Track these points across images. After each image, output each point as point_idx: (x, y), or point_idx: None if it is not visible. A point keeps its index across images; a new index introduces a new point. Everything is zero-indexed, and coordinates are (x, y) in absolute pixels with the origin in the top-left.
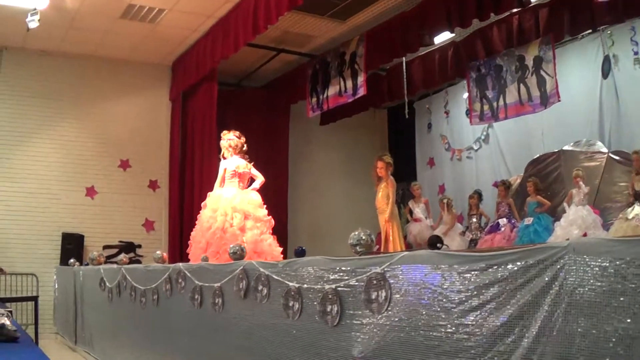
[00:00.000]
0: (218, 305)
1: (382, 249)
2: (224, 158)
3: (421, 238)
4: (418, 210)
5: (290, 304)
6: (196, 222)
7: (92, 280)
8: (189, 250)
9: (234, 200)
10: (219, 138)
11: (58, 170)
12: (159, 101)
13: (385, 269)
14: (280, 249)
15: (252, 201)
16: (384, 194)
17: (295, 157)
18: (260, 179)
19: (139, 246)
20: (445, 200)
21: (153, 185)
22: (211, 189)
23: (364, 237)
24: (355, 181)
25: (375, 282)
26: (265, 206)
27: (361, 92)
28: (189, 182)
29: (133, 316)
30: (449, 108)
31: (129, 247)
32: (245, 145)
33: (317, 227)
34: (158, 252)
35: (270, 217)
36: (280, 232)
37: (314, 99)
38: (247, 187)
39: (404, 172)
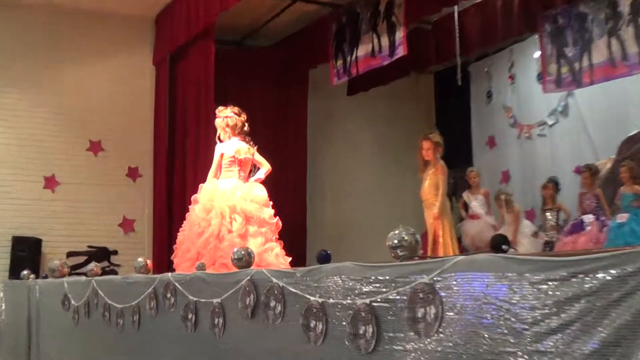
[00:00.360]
0: (218, 328)
1: (429, 253)
2: (220, 141)
3: (480, 240)
4: (475, 204)
5: (312, 325)
6: (184, 222)
7: (52, 297)
8: (174, 257)
9: (232, 197)
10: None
11: (7, 156)
12: (140, 65)
13: (435, 279)
14: (289, 259)
15: (256, 198)
16: (432, 183)
17: (316, 136)
18: (265, 168)
19: (115, 252)
20: (502, 197)
21: (133, 173)
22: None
23: (406, 238)
24: (394, 167)
25: (421, 295)
26: (272, 203)
27: (400, 51)
28: (180, 169)
29: (107, 343)
30: (515, 71)
31: (101, 254)
32: (247, 125)
33: (344, 225)
34: (140, 259)
35: (277, 218)
36: (298, 233)
37: (340, 62)
38: (249, 178)
39: (457, 155)
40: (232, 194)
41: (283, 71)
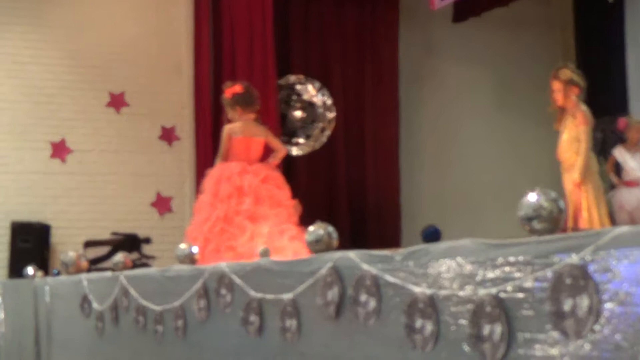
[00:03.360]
0: (291, 332)
1: (570, 227)
2: (229, 121)
3: None
4: (634, 166)
5: (417, 325)
6: (194, 213)
7: (67, 300)
8: None
9: (241, 178)
10: (282, 48)
11: (4, 117)
12: None
13: (587, 258)
14: None
15: (269, 178)
16: (571, 137)
17: (411, 80)
18: (280, 151)
19: (147, 240)
20: None
21: (168, 135)
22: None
23: (546, 205)
24: (519, 119)
25: (569, 281)
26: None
27: None
28: None
29: (142, 358)
30: None
31: (129, 243)
32: (258, 103)
33: (451, 197)
34: (182, 245)
35: (296, 201)
36: (388, 209)
37: None
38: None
39: (607, 99)
40: (240, 175)
41: None
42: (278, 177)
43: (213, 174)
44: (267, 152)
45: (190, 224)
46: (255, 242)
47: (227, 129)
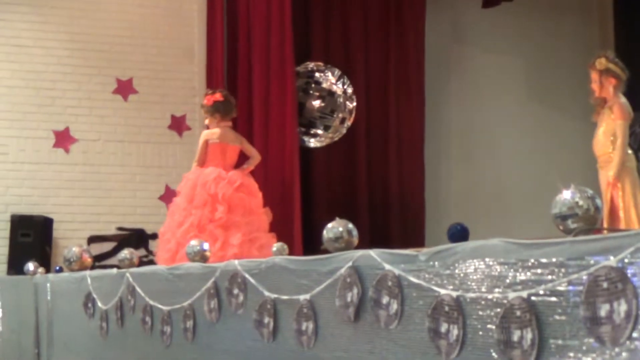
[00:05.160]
0: (307, 335)
1: (606, 225)
2: (206, 127)
3: None
4: None
5: (443, 330)
6: (168, 214)
7: (70, 298)
8: (156, 250)
9: (215, 186)
10: (301, 33)
11: (4, 103)
12: None
13: (626, 261)
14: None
15: (243, 186)
16: (607, 131)
17: (438, 68)
18: (255, 158)
19: (154, 236)
20: None
21: (178, 125)
22: (285, 131)
23: (582, 203)
24: (554, 111)
25: (606, 285)
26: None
27: None
28: (244, 117)
29: None
30: None
31: (135, 239)
32: (235, 110)
33: (481, 191)
34: (193, 242)
35: (267, 208)
36: (412, 206)
37: None
38: (236, 168)
39: None
40: (215, 182)
41: None
42: (251, 184)
43: (189, 178)
44: (242, 158)
45: (163, 225)
46: (226, 251)
47: (204, 134)
